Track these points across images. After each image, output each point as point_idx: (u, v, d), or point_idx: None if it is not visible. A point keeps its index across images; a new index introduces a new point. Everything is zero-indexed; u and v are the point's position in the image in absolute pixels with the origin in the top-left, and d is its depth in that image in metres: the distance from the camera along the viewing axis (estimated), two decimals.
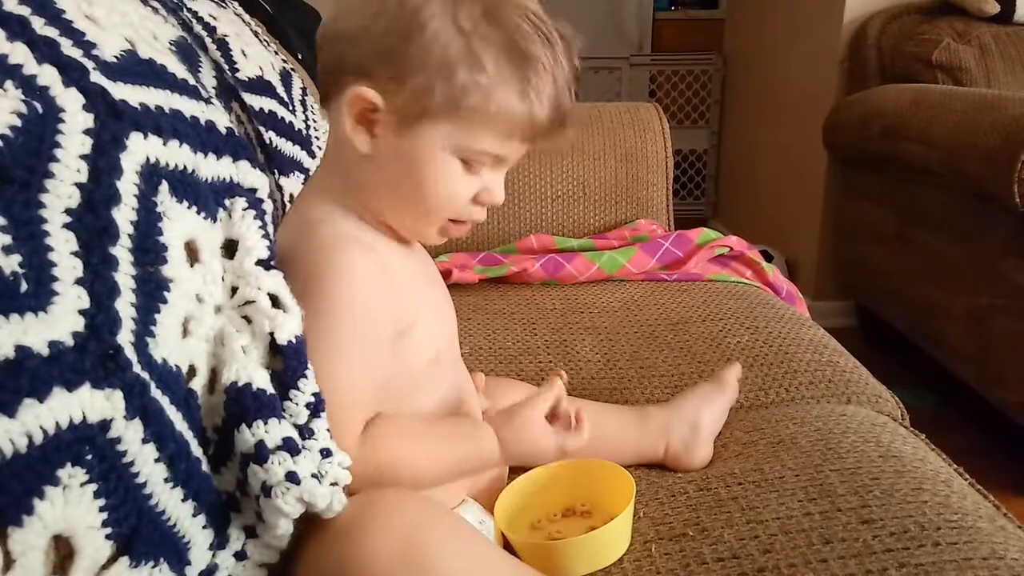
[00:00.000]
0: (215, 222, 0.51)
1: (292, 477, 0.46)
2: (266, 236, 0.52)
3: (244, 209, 0.52)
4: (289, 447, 0.47)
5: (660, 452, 0.73)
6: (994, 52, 1.82)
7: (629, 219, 1.37)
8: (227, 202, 0.53)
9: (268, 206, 0.56)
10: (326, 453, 0.49)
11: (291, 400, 0.48)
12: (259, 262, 0.50)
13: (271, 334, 0.49)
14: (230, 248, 0.52)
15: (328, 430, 0.50)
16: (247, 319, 0.49)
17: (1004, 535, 0.58)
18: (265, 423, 0.46)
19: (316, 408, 0.49)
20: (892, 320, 1.86)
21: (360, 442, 0.53)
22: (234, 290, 0.51)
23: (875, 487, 0.63)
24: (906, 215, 1.74)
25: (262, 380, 0.47)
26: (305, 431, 0.49)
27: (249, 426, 0.46)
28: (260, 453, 0.46)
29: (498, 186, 0.59)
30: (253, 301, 0.49)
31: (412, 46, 0.52)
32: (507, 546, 0.61)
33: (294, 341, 0.49)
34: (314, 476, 0.47)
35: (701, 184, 3.30)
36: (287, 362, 0.48)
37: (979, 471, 0.72)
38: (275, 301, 0.50)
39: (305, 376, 0.49)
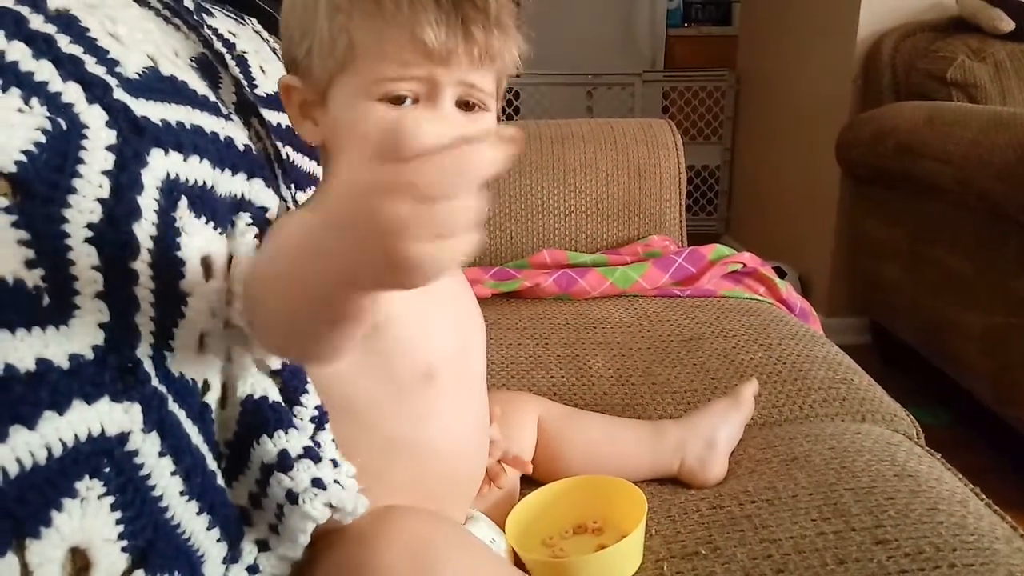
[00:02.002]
0: (227, 237, 0.52)
1: (318, 483, 0.46)
2: None
3: (247, 224, 0.53)
4: (311, 455, 0.47)
5: (675, 467, 0.73)
6: (1009, 69, 1.81)
7: (642, 235, 1.37)
8: (234, 218, 0.54)
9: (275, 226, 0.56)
10: (335, 464, 0.49)
11: (295, 415, 0.48)
12: None
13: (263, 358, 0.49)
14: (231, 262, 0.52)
15: (333, 441, 0.50)
16: (243, 336, 0.50)
17: (1021, 557, 0.57)
18: (286, 433, 0.47)
19: (320, 421, 0.49)
20: (906, 337, 1.84)
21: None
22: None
23: (890, 507, 0.62)
24: (920, 232, 1.73)
25: (275, 393, 0.48)
26: (313, 443, 0.49)
27: (271, 436, 0.46)
28: (285, 462, 0.46)
29: (442, 111, 0.52)
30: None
31: (292, 20, 0.55)
32: (518, 563, 0.61)
33: (287, 362, 0.50)
34: (335, 482, 0.48)
35: (714, 200, 3.30)
36: (285, 383, 0.49)
37: (995, 491, 0.72)
38: None
39: (306, 391, 0.49)
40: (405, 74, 0.51)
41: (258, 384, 0.47)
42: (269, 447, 0.46)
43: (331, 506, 0.46)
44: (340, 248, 0.31)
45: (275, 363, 0.49)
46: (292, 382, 0.49)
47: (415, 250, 0.29)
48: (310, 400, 0.49)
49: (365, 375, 0.53)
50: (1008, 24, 1.85)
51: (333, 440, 0.50)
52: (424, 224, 0.28)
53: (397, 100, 0.52)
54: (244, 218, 0.53)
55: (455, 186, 0.29)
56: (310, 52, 0.53)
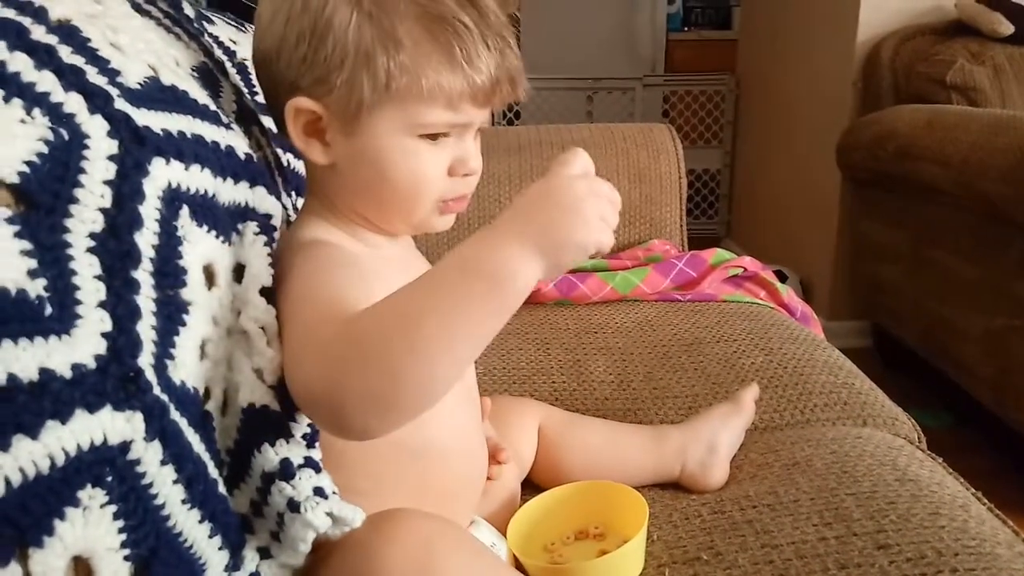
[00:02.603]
0: (230, 245, 0.52)
1: (320, 492, 0.47)
2: (272, 264, 0.52)
3: (255, 234, 0.53)
4: (311, 464, 0.47)
5: (676, 472, 0.73)
6: (1008, 73, 1.82)
7: (643, 239, 1.37)
8: (240, 226, 0.54)
9: (278, 234, 0.56)
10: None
11: (291, 429, 0.48)
12: (262, 291, 0.50)
13: (261, 370, 0.48)
14: (239, 271, 0.52)
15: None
16: (247, 346, 0.50)
17: (1023, 562, 0.57)
18: (287, 442, 0.47)
19: (312, 440, 0.49)
20: (908, 341, 1.84)
21: (331, 339, 0.45)
22: (239, 314, 0.51)
23: (891, 512, 0.62)
24: (921, 235, 1.73)
25: (275, 404, 0.48)
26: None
27: (272, 445, 0.46)
28: (286, 470, 0.46)
29: (471, 152, 0.57)
30: (247, 332, 0.49)
31: (326, 44, 0.52)
32: (520, 568, 0.61)
33: (283, 376, 0.49)
34: (335, 492, 0.48)
35: (715, 204, 3.30)
36: (282, 399, 0.48)
37: (997, 493, 0.72)
38: (267, 337, 0.49)
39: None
40: (456, 120, 0.54)
41: (259, 394, 0.48)
42: (271, 455, 0.46)
43: (331, 515, 0.46)
44: (540, 220, 0.43)
45: (269, 379, 0.48)
46: (287, 400, 0.48)
47: (603, 234, 0.44)
48: (303, 418, 0.49)
49: None
50: (1007, 27, 1.85)
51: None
52: (608, 218, 0.45)
53: (434, 137, 0.54)
54: (252, 227, 0.54)
55: (616, 199, 0.46)
56: (352, 81, 0.52)
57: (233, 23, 0.95)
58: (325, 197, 0.58)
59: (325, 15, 0.51)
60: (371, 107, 0.52)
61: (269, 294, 0.51)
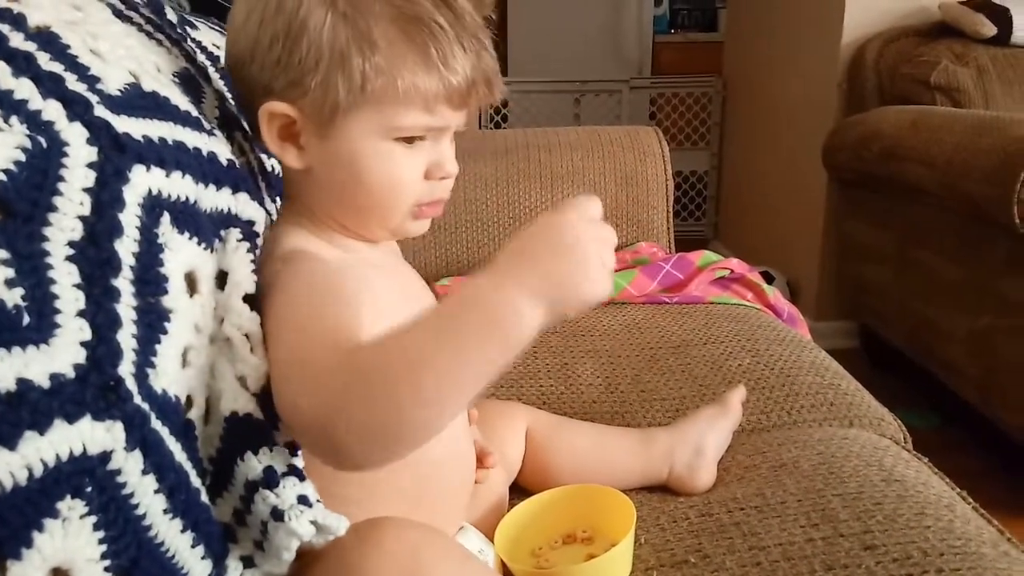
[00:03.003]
0: (212, 252, 0.52)
1: (304, 500, 0.46)
2: (255, 271, 0.52)
3: (238, 240, 0.52)
4: (295, 472, 0.47)
5: (664, 475, 0.73)
6: (992, 73, 1.83)
7: (630, 242, 1.37)
8: (223, 232, 0.53)
9: (261, 240, 0.56)
10: None
11: (274, 438, 0.48)
12: (245, 298, 0.50)
13: (244, 378, 0.48)
14: (221, 278, 0.52)
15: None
16: (230, 353, 0.49)
17: (1008, 561, 0.58)
18: (271, 450, 0.47)
19: (295, 447, 0.49)
20: (894, 341, 1.85)
21: (330, 369, 0.44)
22: (221, 321, 0.51)
23: (878, 512, 0.62)
24: (907, 236, 1.74)
25: (258, 412, 0.47)
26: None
27: (255, 453, 0.46)
28: (270, 478, 0.46)
29: (447, 156, 0.56)
30: (230, 339, 0.49)
31: (299, 46, 0.51)
32: (508, 574, 0.61)
33: (262, 391, 0.48)
34: (319, 501, 0.47)
35: (702, 205, 3.31)
36: (264, 406, 0.48)
37: (983, 493, 0.72)
38: (250, 345, 0.49)
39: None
40: (432, 123, 0.54)
41: (242, 402, 0.47)
42: (254, 464, 0.46)
43: (316, 524, 0.46)
44: (546, 266, 0.42)
45: (252, 386, 0.48)
46: (270, 409, 0.48)
47: (607, 279, 0.44)
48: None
49: None
50: (990, 29, 1.87)
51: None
52: (610, 265, 0.44)
53: (410, 140, 0.54)
54: (235, 233, 0.53)
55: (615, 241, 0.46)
56: (326, 83, 0.51)
57: (216, 28, 0.95)
58: (302, 203, 0.58)
59: (300, 16, 0.51)
60: (346, 109, 0.52)
61: (252, 301, 0.50)
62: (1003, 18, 1.87)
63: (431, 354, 0.42)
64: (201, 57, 0.78)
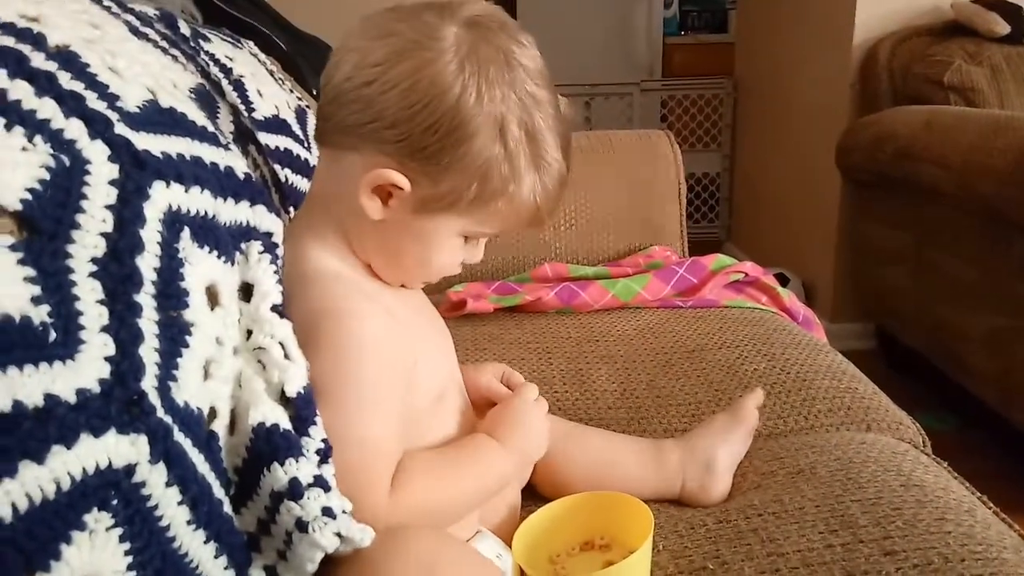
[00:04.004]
0: (233, 265, 0.52)
1: (328, 512, 0.47)
2: (280, 281, 0.53)
3: (260, 253, 0.53)
4: (321, 484, 0.47)
5: (676, 490, 0.72)
6: (1006, 72, 1.82)
7: (643, 246, 1.37)
8: (243, 245, 0.54)
9: (281, 250, 0.57)
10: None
11: (304, 447, 0.49)
12: (273, 308, 0.51)
13: (282, 384, 0.49)
14: (246, 291, 0.53)
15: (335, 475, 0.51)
16: (261, 363, 0.50)
17: None
18: (296, 461, 0.47)
19: (325, 455, 0.49)
20: (912, 342, 1.84)
21: (390, 494, 0.53)
22: (249, 333, 0.51)
23: (897, 518, 0.62)
24: (922, 236, 1.73)
25: (286, 422, 0.48)
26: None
27: (282, 464, 0.47)
28: (295, 490, 0.46)
29: (481, 249, 0.62)
30: (265, 348, 0.50)
31: (455, 154, 0.52)
32: None
33: (303, 392, 0.50)
34: (344, 512, 0.48)
35: (715, 207, 3.31)
36: (298, 411, 0.49)
37: (1003, 495, 0.72)
38: (284, 350, 0.51)
39: (315, 423, 0.50)
40: (500, 233, 0.59)
41: (270, 412, 0.48)
42: (280, 475, 0.46)
43: (340, 535, 0.47)
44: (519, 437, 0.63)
45: (290, 390, 0.49)
46: (304, 411, 0.49)
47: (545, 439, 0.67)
48: (317, 432, 0.49)
49: (398, 424, 0.56)
50: (1004, 27, 1.86)
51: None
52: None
53: (472, 239, 0.60)
54: (256, 246, 0.54)
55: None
56: (458, 190, 0.54)
57: (229, 39, 0.96)
58: (342, 230, 0.59)
59: (469, 129, 0.52)
60: (456, 211, 0.55)
61: (279, 310, 0.52)
62: (1016, 16, 1.86)
63: (457, 493, 0.58)
64: (215, 70, 0.79)
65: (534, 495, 0.74)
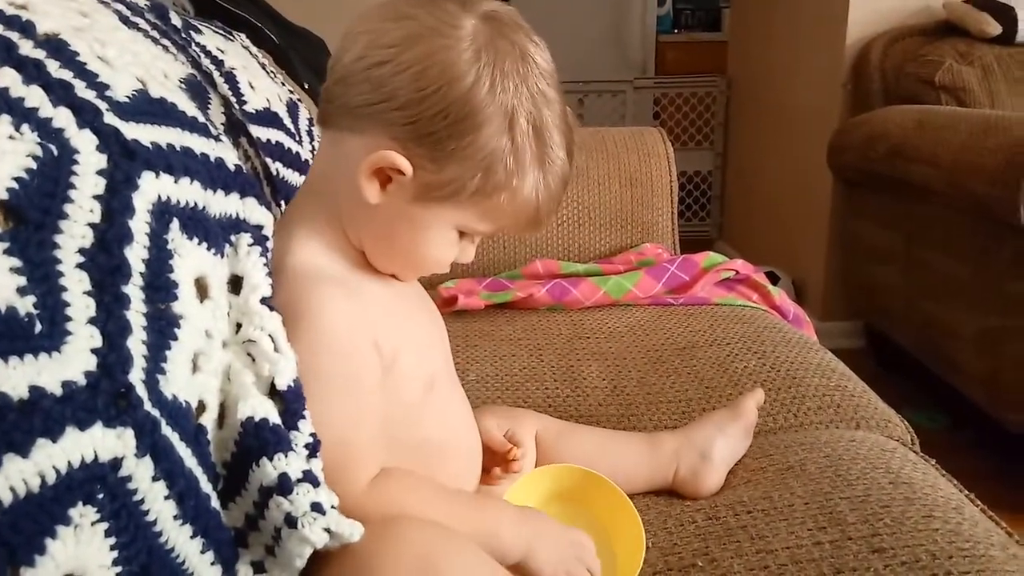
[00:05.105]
0: (223, 258, 0.52)
1: (317, 507, 0.46)
2: (269, 274, 0.53)
3: (250, 245, 0.53)
4: (310, 479, 0.47)
5: (669, 478, 0.73)
6: (997, 73, 1.83)
7: (634, 243, 1.37)
8: (233, 238, 0.54)
9: (271, 243, 0.56)
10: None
11: (293, 440, 0.48)
12: (263, 300, 0.51)
13: (272, 377, 0.49)
14: (235, 283, 0.52)
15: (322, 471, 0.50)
16: (250, 356, 0.50)
17: (1016, 563, 0.58)
18: (285, 456, 0.47)
19: (314, 449, 0.49)
20: (901, 341, 1.85)
21: (366, 491, 0.53)
22: (238, 326, 0.51)
23: (885, 515, 0.62)
24: (913, 236, 1.74)
25: (275, 416, 0.48)
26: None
27: (271, 459, 0.46)
28: (284, 485, 0.46)
29: (473, 248, 0.61)
30: (255, 341, 0.49)
31: (462, 141, 0.52)
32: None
33: (293, 385, 0.49)
34: (333, 507, 0.48)
35: (707, 206, 3.31)
36: (288, 405, 0.49)
37: (991, 494, 0.72)
38: (274, 343, 0.50)
39: (304, 417, 0.49)
40: (496, 231, 0.58)
41: (259, 406, 0.47)
42: (269, 470, 0.46)
43: (328, 531, 0.46)
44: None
45: (280, 383, 0.49)
46: (293, 405, 0.49)
47: None
48: (306, 427, 0.49)
49: (374, 412, 0.56)
50: (995, 28, 1.86)
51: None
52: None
53: (464, 234, 0.58)
54: (245, 238, 0.53)
55: None
56: (461, 178, 0.53)
57: (220, 32, 0.95)
58: (336, 215, 0.58)
59: (479, 119, 0.52)
60: (457, 201, 0.54)
61: (269, 303, 0.51)
62: (1008, 17, 1.87)
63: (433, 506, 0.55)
64: (206, 62, 0.78)
65: None
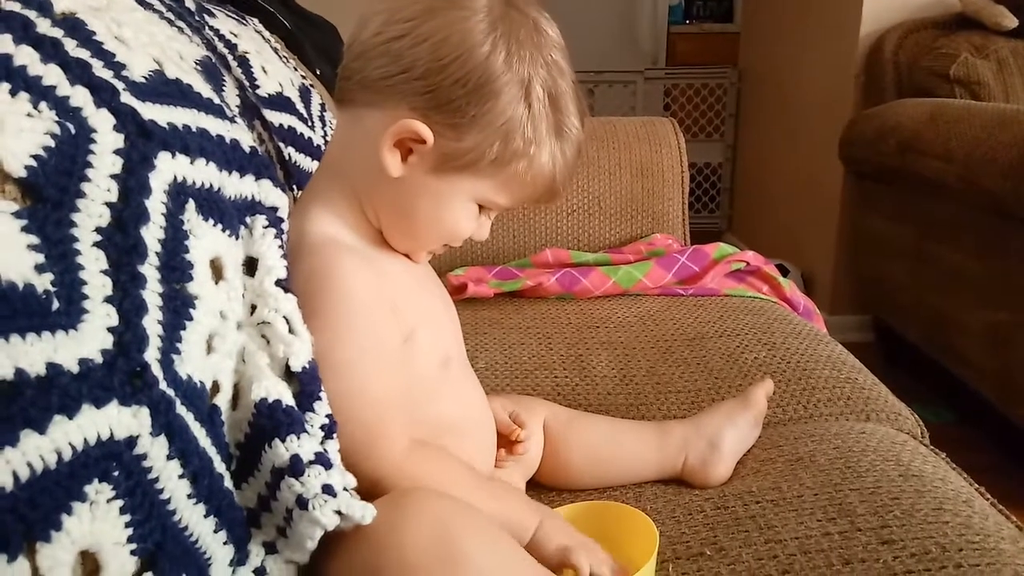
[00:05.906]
0: (238, 239, 0.52)
1: (328, 489, 0.46)
2: (284, 256, 0.53)
3: (265, 227, 0.53)
4: (322, 461, 0.47)
5: (678, 467, 0.73)
6: (1012, 66, 1.81)
7: (645, 233, 1.37)
8: (248, 219, 0.54)
9: (286, 225, 0.56)
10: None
11: (308, 422, 0.49)
12: (278, 282, 0.51)
13: (287, 359, 0.49)
14: (250, 265, 0.52)
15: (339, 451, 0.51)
16: (265, 338, 0.50)
17: None
18: (298, 437, 0.47)
19: (330, 431, 0.49)
20: (910, 335, 1.84)
21: (403, 454, 0.54)
22: (253, 308, 0.51)
23: (895, 507, 0.62)
24: (923, 230, 1.73)
25: (289, 398, 0.48)
26: (323, 451, 0.49)
27: (283, 440, 0.46)
28: (296, 466, 0.46)
29: (489, 225, 0.62)
30: (270, 323, 0.50)
31: (481, 108, 0.53)
32: None
33: (308, 367, 0.50)
34: (345, 489, 0.48)
35: (716, 197, 3.30)
36: (303, 386, 0.49)
37: (1000, 489, 0.72)
38: (288, 325, 0.50)
39: (320, 398, 0.49)
40: (513, 204, 0.59)
41: (272, 388, 0.48)
42: (281, 451, 0.46)
43: (340, 513, 0.46)
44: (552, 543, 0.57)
45: (295, 364, 0.49)
46: (309, 386, 0.49)
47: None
48: (322, 408, 0.49)
49: (399, 376, 0.57)
50: (1011, 21, 1.85)
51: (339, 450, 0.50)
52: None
53: (482, 208, 0.59)
54: (260, 220, 0.54)
55: None
56: (482, 145, 0.54)
57: (234, 16, 0.95)
58: (354, 192, 0.59)
59: (496, 85, 0.53)
60: (475, 171, 0.55)
61: (284, 284, 0.52)
62: None
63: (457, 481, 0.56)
64: (220, 46, 0.78)
65: (535, 484, 0.74)
